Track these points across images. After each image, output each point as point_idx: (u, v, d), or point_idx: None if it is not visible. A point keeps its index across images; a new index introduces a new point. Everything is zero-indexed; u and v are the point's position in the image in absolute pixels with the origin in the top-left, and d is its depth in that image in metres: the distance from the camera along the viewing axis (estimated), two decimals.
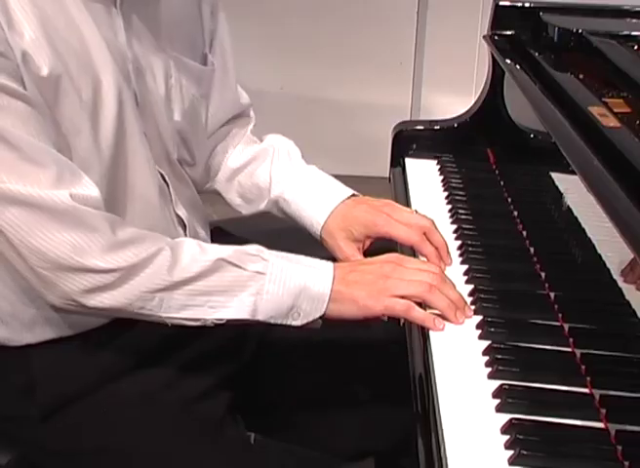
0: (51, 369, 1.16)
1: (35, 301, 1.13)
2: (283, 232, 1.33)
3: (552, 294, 1.12)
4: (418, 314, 1.05)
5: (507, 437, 0.86)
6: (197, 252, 1.06)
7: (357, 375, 1.31)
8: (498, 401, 0.91)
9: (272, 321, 1.07)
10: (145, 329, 1.13)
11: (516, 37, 1.58)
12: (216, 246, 1.10)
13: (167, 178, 1.20)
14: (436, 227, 1.20)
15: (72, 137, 1.06)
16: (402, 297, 1.06)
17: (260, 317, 1.06)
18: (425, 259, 1.18)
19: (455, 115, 1.65)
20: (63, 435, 1.16)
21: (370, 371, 1.31)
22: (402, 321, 1.10)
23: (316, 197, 1.27)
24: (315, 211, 1.26)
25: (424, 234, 1.19)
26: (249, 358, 1.30)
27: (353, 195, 1.28)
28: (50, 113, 1.03)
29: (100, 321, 1.15)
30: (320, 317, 1.07)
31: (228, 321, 1.06)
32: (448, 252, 1.19)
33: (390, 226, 1.19)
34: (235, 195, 1.38)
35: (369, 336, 1.35)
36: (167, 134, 1.20)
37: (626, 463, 0.84)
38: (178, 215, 1.22)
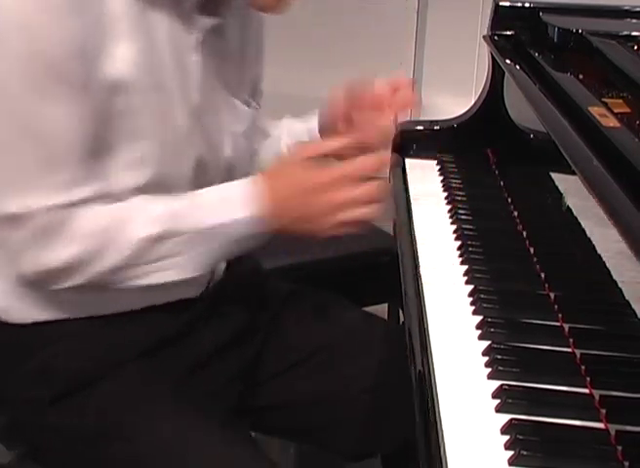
0: (67, 350, 1.17)
1: None
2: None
3: (552, 295, 1.12)
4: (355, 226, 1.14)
5: (507, 437, 0.86)
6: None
7: (357, 376, 1.32)
8: (497, 401, 0.91)
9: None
10: (161, 314, 1.19)
11: (516, 37, 1.58)
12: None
13: None
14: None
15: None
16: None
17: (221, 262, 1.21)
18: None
19: (455, 115, 1.65)
20: (71, 417, 1.17)
21: (370, 372, 1.31)
22: (402, 320, 1.10)
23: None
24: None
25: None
26: (253, 355, 1.31)
27: None
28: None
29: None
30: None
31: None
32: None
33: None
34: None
35: (369, 336, 1.36)
36: (220, 168, 1.23)
37: (626, 464, 0.84)
38: None
